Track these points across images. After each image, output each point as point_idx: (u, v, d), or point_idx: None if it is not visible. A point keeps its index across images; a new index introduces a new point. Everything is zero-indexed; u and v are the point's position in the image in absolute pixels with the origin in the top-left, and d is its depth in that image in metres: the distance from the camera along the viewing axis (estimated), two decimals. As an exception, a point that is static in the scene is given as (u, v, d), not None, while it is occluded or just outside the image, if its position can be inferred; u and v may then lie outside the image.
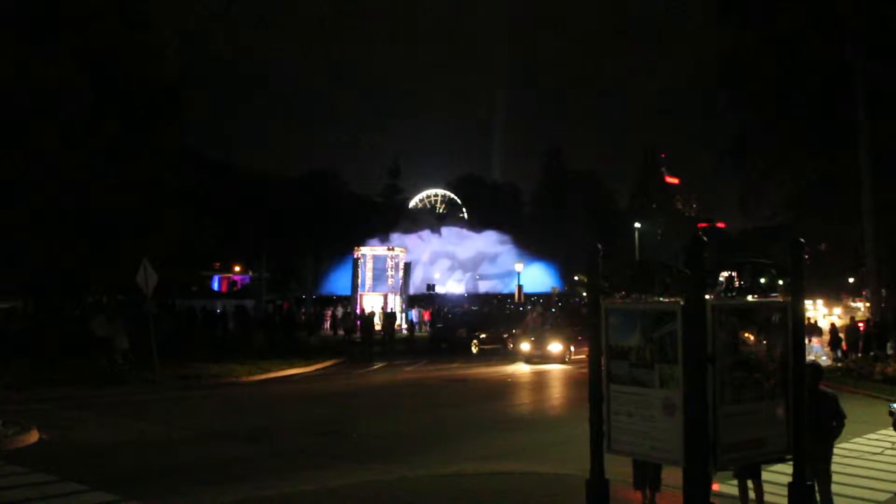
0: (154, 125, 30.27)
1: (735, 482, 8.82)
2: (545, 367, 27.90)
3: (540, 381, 24.54)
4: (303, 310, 45.87)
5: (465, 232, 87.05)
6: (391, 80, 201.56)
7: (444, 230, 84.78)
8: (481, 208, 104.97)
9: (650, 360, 6.60)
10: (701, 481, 6.38)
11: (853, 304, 57.30)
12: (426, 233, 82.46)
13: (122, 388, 20.52)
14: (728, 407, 6.37)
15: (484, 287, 71.93)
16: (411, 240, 74.42)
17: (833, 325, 34.31)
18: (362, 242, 53.77)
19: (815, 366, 8.70)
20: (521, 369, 27.87)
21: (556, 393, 22.47)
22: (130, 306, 27.87)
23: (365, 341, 33.87)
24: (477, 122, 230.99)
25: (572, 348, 29.95)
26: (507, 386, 23.62)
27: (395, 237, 71.61)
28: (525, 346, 30.55)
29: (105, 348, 24.43)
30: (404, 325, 42.80)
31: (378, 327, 36.34)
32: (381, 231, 77.03)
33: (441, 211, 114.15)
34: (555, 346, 29.47)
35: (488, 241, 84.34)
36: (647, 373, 6.63)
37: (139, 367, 22.90)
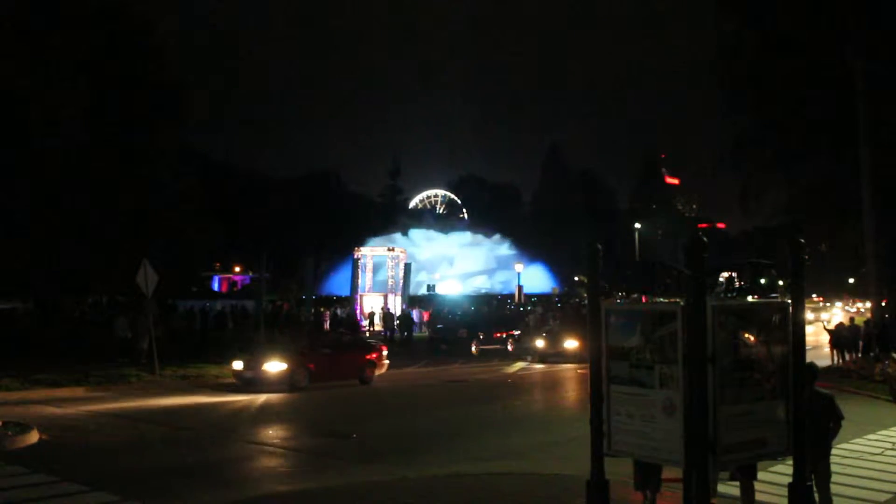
0: (154, 126, 30.31)
1: (735, 482, 8.81)
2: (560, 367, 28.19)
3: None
4: (340, 311, 45.86)
5: (431, 233, 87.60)
6: (391, 80, 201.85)
7: (412, 232, 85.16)
8: (481, 209, 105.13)
9: (650, 361, 6.61)
10: (701, 482, 6.37)
11: (859, 306, 57.17)
12: (397, 235, 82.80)
13: (123, 389, 20.51)
14: (728, 407, 6.37)
15: (442, 288, 72.13)
16: (383, 241, 74.80)
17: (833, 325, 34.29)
18: (362, 243, 53.78)
19: (810, 366, 8.70)
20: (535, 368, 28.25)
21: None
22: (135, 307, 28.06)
23: (404, 339, 35.68)
24: (477, 122, 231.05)
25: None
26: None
27: (372, 239, 71.53)
28: (539, 344, 31.07)
29: (130, 349, 24.79)
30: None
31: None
32: (383, 231, 77.14)
33: (441, 211, 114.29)
34: (570, 344, 29.65)
35: (450, 244, 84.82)
36: (647, 373, 6.63)
37: (139, 368, 22.92)
